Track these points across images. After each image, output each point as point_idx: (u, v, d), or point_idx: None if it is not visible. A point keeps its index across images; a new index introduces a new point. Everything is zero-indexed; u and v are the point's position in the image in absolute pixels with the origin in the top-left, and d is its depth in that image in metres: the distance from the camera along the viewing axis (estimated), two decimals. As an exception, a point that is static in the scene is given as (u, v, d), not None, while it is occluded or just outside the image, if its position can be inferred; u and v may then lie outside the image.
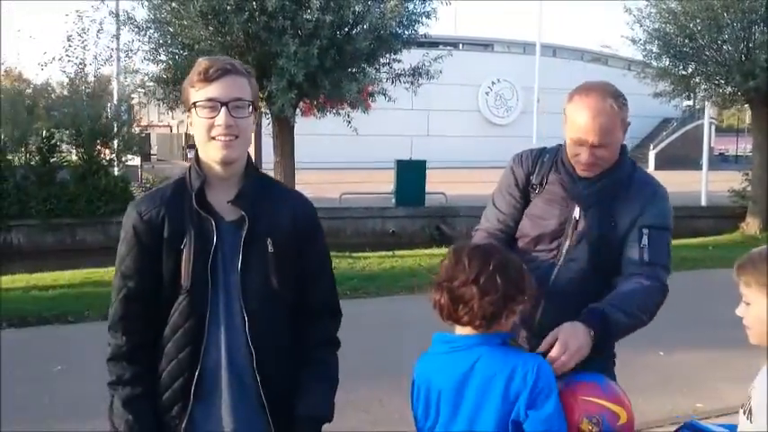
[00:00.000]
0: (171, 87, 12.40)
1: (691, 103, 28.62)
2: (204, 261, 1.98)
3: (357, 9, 11.05)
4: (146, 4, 12.16)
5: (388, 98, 12.62)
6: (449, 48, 18.83)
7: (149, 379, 2.03)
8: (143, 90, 14.24)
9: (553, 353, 2.04)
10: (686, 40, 15.15)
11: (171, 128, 44.36)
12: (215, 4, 10.63)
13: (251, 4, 10.72)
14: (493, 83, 39.16)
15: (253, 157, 2.19)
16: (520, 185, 2.58)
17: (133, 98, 18.81)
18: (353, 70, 11.95)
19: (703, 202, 20.50)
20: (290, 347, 2.10)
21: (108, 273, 10.20)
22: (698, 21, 14.64)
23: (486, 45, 40.42)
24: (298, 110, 12.44)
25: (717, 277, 8.42)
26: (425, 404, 2.07)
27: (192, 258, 1.98)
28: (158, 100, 13.29)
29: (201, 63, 2.00)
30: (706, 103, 19.46)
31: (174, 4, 11.39)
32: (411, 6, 12.10)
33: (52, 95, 18.83)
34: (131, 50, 12.66)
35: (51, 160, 16.99)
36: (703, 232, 16.09)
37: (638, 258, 2.38)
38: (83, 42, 16.53)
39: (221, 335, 2.01)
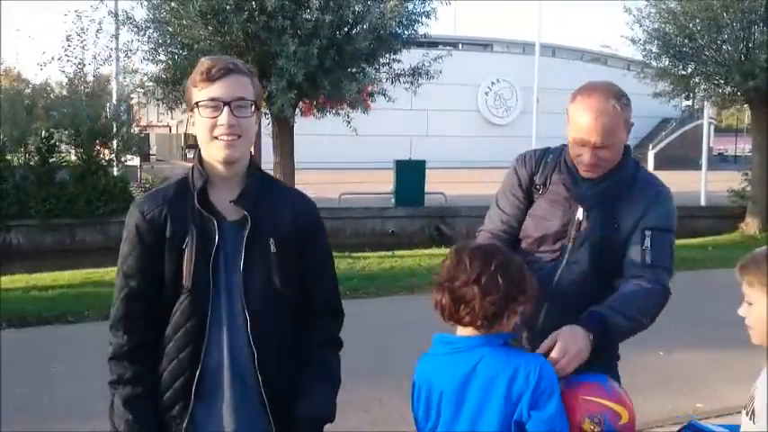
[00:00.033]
0: (170, 87, 12.40)
1: (690, 103, 28.66)
2: (206, 261, 1.98)
3: (357, 9, 11.05)
4: (145, 3, 12.16)
5: (387, 98, 12.62)
6: (448, 48, 18.84)
7: (150, 379, 2.03)
8: (142, 90, 14.24)
9: (553, 354, 2.04)
10: (686, 40, 15.15)
11: (170, 128, 44.38)
12: (214, 4, 10.62)
13: (250, 4, 10.72)
14: (492, 83, 39.16)
15: (253, 157, 2.19)
16: (523, 186, 2.57)
17: (132, 98, 18.81)
18: (353, 70, 11.95)
19: (702, 202, 20.50)
20: (292, 347, 2.10)
21: (108, 273, 10.20)
22: (697, 21, 14.65)
23: (485, 45, 40.41)
24: (297, 110, 12.44)
25: (716, 277, 8.44)
26: (426, 405, 2.06)
27: (194, 258, 1.98)
28: (158, 100, 13.29)
29: (204, 63, 2.00)
30: (705, 103, 19.47)
31: (173, 4, 11.38)
32: (411, 6, 12.10)
33: (51, 95, 18.81)
34: (130, 50, 12.67)
35: (50, 160, 16.96)
36: (702, 232, 16.09)
37: (639, 260, 2.37)
38: (82, 42, 16.52)
39: (223, 335, 2.00)
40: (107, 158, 17.51)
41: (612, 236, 2.42)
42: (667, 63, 16.06)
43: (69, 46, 16.46)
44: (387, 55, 12.39)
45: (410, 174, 19.16)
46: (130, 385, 2.01)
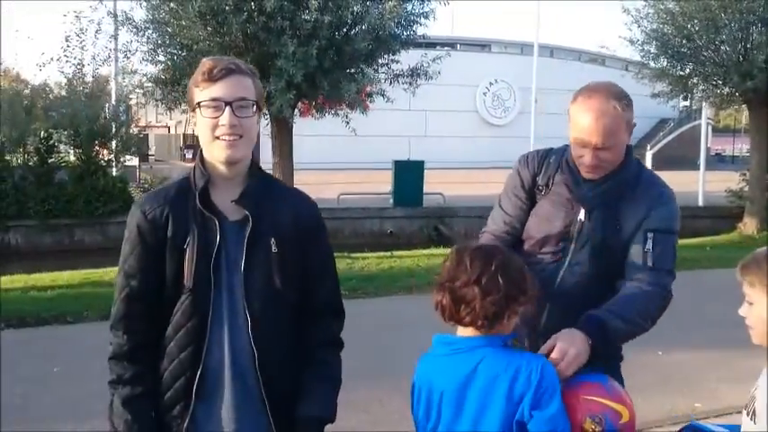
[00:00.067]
0: (169, 88, 12.38)
1: (688, 103, 28.68)
2: (207, 260, 1.98)
3: (356, 9, 11.04)
4: (144, 4, 12.15)
5: (386, 99, 12.63)
6: (446, 48, 18.85)
7: (150, 379, 2.03)
8: (141, 91, 14.23)
9: (553, 355, 2.04)
10: (684, 41, 15.17)
11: (169, 128, 44.34)
12: (213, 5, 10.62)
13: (249, 5, 10.72)
14: (490, 83, 39.15)
15: (251, 158, 2.19)
16: (526, 187, 2.56)
17: (131, 99, 18.80)
18: (352, 71, 11.94)
19: (700, 203, 20.52)
20: (293, 348, 2.10)
21: (106, 273, 10.20)
22: (696, 21, 14.67)
23: (483, 45, 40.40)
24: (296, 110, 12.43)
25: (714, 277, 8.45)
26: (427, 406, 2.06)
27: (195, 258, 1.98)
28: (157, 101, 13.27)
29: (206, 63, 2.01)
30: (703, 103, 19.49)
31: (172, 5, 11.37)
32: (410, 7, 12.11)
33: (50, 96, 18.80)
34: (130, 51, 12.65)
35: (49, 161, 16.96)
36: (701, 232, 16.09)
37: (641, 263, 2.36)
38: (81, 43, 16.55)
39: (224, 334, 2.00)
40: (106, 159, 17.51)
41: (614, 237, 2.41)
42: (665, 63, 16.09)
43: (68, 47, 16.51)
44: (385, 55, 12.39)
45: (408, 174, 19.17)
46: (130, 385, 2.01)
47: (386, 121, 28.30)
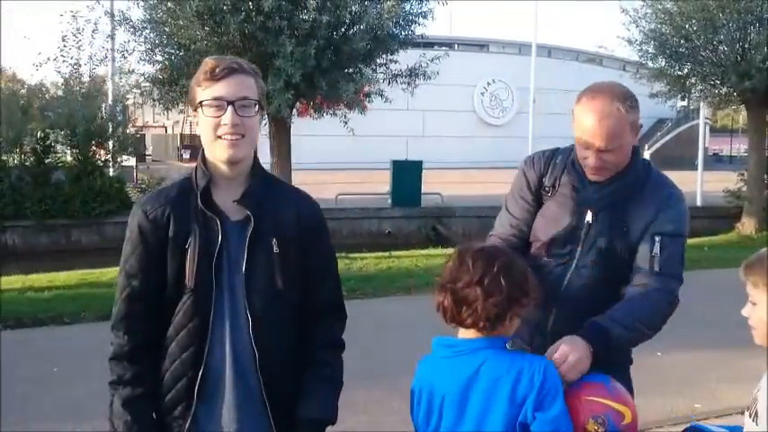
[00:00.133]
0: (167, 88, 12.37)
1: (686, 103, 28.73)
2: (209, 261, 1.97)
3: (354, 9, 11.04)
4: (141, 4, 12.14)
5: (384, 99, 12.62)
6: (444, 48, 18.88)
7: (151, 379, 2.02)
8: (138, 90, 14.21)
9: (555, 356, 2.03)
10: (682, 41, 15.19)
11: (166, 128, 44.31)
12: (211, 5, 10.60)
13: (247, 5, 10.71)
14: (488, 83, 39.19)
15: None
16: (532, 188, 2.51)
17: (128, 99, 18.77)
18: (350, 71, 11.94)
19: (698, 203, 20.54)
20: (295, 348, 2.09)
21: (104, 274, 10.19)
22: (694, 21, 14.69)
23: (481, 45, 40.44)
24: (294, 110, 12.42)
25: (713, 277, 8.44)
26: (427, 409, 2.04)
27: (197, 258, 1.97)
28: (154, 100, 13.25)
29: (208, 62, 2.00)
30: (701, 103, 19.52)
31: (169, 4, 11.36)
32: (408, 7, 12.11)
33: (47, 96, 18.76)
34: (127, 51, 12.62)
35: (46, 161, 16.93)
36: (699, 232, 16.07)
37: (648, 268, 2.32)
38: (77, 43, 16.51)
39: (225, 335, 1.99)
40: (103, 159, 17.48)
41: (621, 240, 2.36)
42: (663, 63, 16.11)
43: (65, 46, 16.46)
44: (384, 55, 12.39)
45: (407, 174, 19.18)
46: (130, 386, 2.00)
47: (384, 121, 28.33)
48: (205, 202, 2.00)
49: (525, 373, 1.90)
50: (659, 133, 40.20)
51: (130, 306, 2.02)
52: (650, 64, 16.38)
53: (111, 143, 17.50)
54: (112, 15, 13.46)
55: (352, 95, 11.77)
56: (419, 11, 12.23)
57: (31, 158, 16.89)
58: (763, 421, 1.84)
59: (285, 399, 2.04)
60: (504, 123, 38.79)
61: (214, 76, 1.95)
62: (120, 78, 16.58)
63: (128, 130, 18.58)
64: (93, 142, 17.06)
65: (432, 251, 13.19)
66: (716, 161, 43.11)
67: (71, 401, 5.39)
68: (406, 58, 12.79)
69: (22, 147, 16.98)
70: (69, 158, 17.45)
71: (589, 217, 2.39)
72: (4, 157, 16.80)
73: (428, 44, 15.90)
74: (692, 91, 17.08)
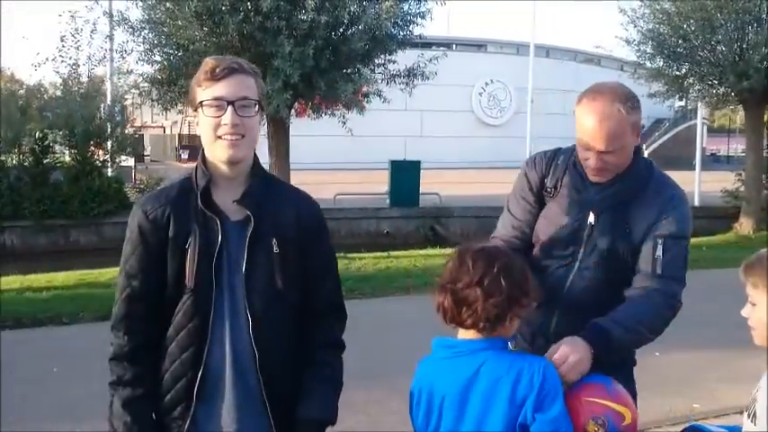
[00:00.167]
0: (166, 88, 12.37)
1: (683, 103, 28.75)
2: (209, 261, 1.97)
3: (352, 10, 11.04)
4: (140, 4, 12.13)
5: (382, 99, 12.63)
6: (442, 48, 18.88)
7: (150, 380, 2.02)
8: (137, 91, 14.20)
9: (555, 356, 2.03)
10: (680, 41, 15.21)
11: (164, 128, 44.29)
12: (210, 5, 10.60)
13: (246, 5, 10.71)
14: (486, 83, 39.22)
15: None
16: (534, 189, 2.48)
17: (126, 99, 18.74)
18: (348, 71, 11.95)
19: (696, 203, 20.53)
20: (295, 348, 2.09)
21: (102, 274, 10.18)
22: (692, 21, 14.71)
23: (479, 46, 40.48)
24: (293, 111, 12.42)
25: (711, 277, 8.44)
26: (427, 410, 2.04)
27: (197, 258, 1.97)
28: (153, 101, 13.25)
29: (208, 62, 2.00)
30: (699, 103, 19.53)
31: (168, 5, 11.35)
32: (406, 7, 12.12)
33: (45, 96, 18.76)
34: (125, 51, 12.61)
35: (45, 161, 16.90)
36: (696, 233, 15.95)
37: (650, 270, 2.30)
38: (76, 43, 16.47)
39: (225, 335, 1.99)
40: (101, 159, 17.46)
41: (624, 241, 2.35)
42: (661, 64, 16.13)
43: (63, 47, 16.42)
44: (382, 56, 12.40)
45: (405, 174, 19.19)
46: (130, 386, 2.00)
47: (382, 121, 28.34)
48: (205, 202, 2.00)
49: (525, 374, 1.89)
50: (657, 133, 40.28)
51: (130, 306, 2.02)
52: (648, 64, 16.40)
53: (109, 143, 17.47)
54: (111, 15, 13.46)
55: (350, 96, 11.78)
56: (417, 11, 12.25)
57: (30, 159, 16.85)
58: (762, 422, 1.84)
59: (285, 399, 2.04)
60: (502, 123, 38.83)
61: (214, 76, 1.96)
62: (119, 79, 16.58)
63: (126, 131, 18.56)
64: (92, 142, 17.03)
65: (430, 251, 13.19)
66: (713, 161, 43.14)
67: (70, 402, 5.39)
68: (405, 59, 12.79)
69: (20, 147, 16.95)
70: (68, 159, 17.43)
71: (591, 218, 2.37)
72: (2, 158, 16.76)
73: (426, 44, 15.93)
74: (690, 91, 17.09)
